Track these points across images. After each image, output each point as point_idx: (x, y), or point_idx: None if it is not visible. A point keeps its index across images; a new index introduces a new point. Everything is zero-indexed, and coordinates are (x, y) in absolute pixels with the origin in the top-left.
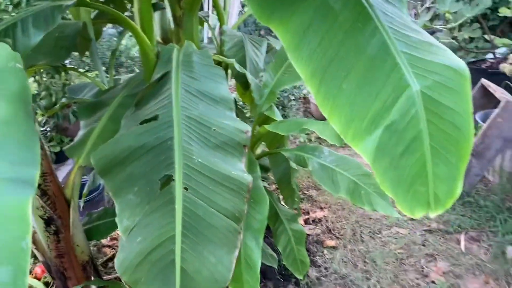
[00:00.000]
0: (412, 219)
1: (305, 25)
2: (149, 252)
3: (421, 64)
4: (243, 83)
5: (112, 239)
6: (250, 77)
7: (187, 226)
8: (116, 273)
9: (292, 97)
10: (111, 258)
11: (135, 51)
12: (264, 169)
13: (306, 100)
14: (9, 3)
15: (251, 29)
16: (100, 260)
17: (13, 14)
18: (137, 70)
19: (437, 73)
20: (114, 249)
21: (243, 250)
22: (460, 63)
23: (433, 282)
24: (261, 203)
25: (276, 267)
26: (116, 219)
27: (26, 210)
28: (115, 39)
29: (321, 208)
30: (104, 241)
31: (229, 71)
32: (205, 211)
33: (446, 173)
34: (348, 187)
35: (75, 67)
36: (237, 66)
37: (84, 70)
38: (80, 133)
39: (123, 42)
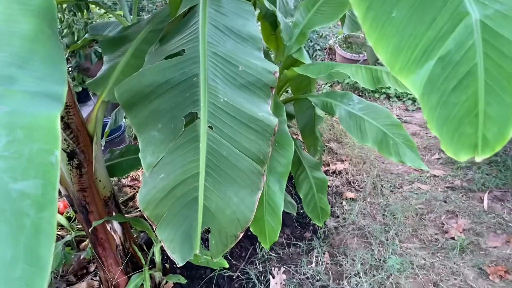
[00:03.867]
0: (434, 176)
1: None
2: (172, 188)
3: None
4: (271, 23)
5: (133, 179)
6: (279, 16)
7: (210, 165)
8: (137, 212)
9: (318, 47)
10: (132, 198)
11: None
12: (288, 116)
13: (331, 51)
14: None
15: None
16: (121, 199)
17: None
18: None
19: (499, 1)
20: (134, 189)
21: (266, 192)
22: None
23: (452, 238)
24: (286, 147)
25: (295, 214)
26: (140, 155)
27: (55, 123)
28: None
29: (342, 161)
30: (125, 180)
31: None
32: (229, 151)
33: (498, 114)
34: (376, 136)
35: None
36: (267, 4)
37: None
38: (103, 68)
39: None
